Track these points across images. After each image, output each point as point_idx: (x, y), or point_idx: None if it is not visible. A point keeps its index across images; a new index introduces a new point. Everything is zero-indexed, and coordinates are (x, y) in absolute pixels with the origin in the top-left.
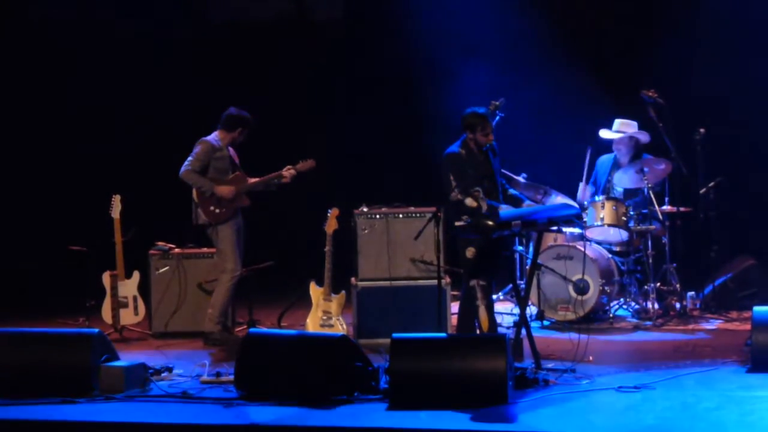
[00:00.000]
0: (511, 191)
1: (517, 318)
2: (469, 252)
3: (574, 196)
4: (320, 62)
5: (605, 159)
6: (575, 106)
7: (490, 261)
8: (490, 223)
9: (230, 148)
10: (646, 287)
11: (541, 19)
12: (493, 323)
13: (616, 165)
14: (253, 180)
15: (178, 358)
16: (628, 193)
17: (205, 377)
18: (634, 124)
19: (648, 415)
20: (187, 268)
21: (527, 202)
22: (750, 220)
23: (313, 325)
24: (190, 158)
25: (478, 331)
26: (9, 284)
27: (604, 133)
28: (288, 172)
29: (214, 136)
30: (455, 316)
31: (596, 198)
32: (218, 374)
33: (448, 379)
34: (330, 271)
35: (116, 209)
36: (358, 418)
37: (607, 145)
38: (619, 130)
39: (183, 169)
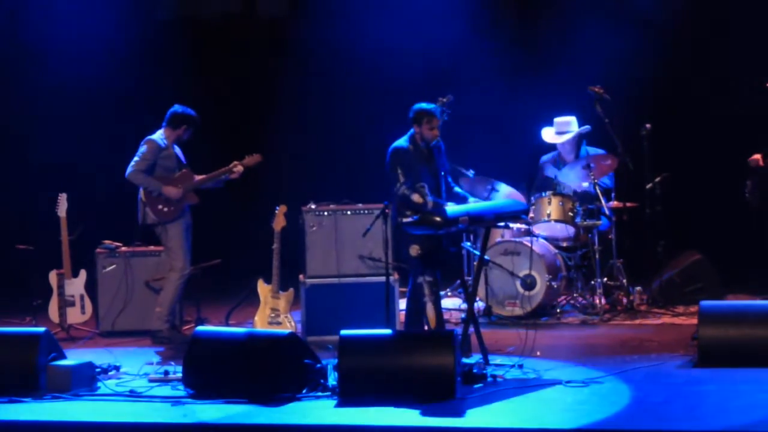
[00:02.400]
0: (457, 190)
1: (464, 314)
2: (413, 250)
3: (521, 193)
4: (266, 58)
5: (548, 157)
6: (522, 102)
7: (436, 257)
8: (438, 218)
9: (176, 146)
10: (592, 282)
11: (487, 16)
12: (440, 319)
13: (561, 162)
14: (199, 177)
15: (125, 357)
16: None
17: (152, 376)
18: (574, 119)
19: (596, 409)
20: (134, 267)
21: (472, 199)
22: (696, 215)
23: (261, 322)
24: (136, 158)
25: (426, 327)
26: None
27: (549, 137)
28: (236, 168)
29: (159, 135)
30: (403, 313)
31: (543, 194)
32: (166, 372)
33: (396, 375)
34: (278, 269)
35: (62, 208)
36: (306, 415)
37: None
38: (562, 130)
39: (129, 169)
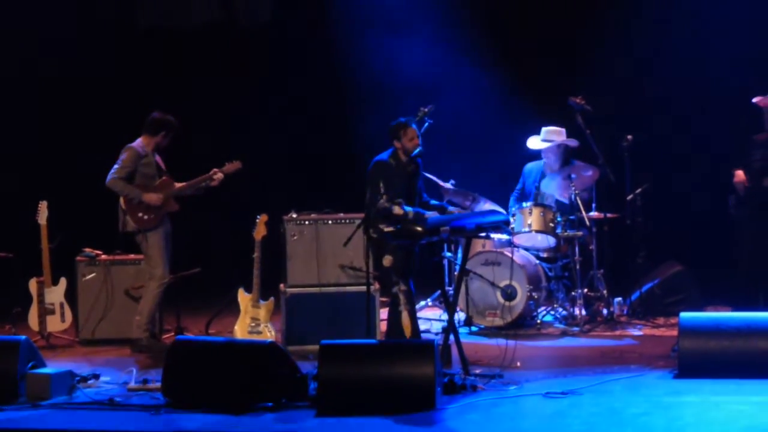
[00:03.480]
0: (433, 202)
1: (445, 324)
2: (387, 260)
3: (502, 204)
4: (247, 67)
5: (533, 166)
6: (504, 114)
7: (410, 267)
8: (419, 228)
9: (156, 153)
10: (573, 293)
11: (470, 27)
12: (416, 329)
13: (544, 171)
14: (180, 184)
15: (105, 365)
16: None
17: (132, 384)
18: (563, 131)
19: (575, 420)
20: (114, 275)
21: (451, 208)
22: (676, 226)
23: (241, 331)
24: (116, 166)
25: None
26: None
27: (533, 143)
28: (216, 175)
29: (138, 143)
30: (384, 322)
31: (524, 204)
32: (145, 381)
33: (376, 385)
34: (258, 278)
35: (43, 215)
36: (286, 425)
37: (535, 152)
38: (547, 138)
39: (109, 177)
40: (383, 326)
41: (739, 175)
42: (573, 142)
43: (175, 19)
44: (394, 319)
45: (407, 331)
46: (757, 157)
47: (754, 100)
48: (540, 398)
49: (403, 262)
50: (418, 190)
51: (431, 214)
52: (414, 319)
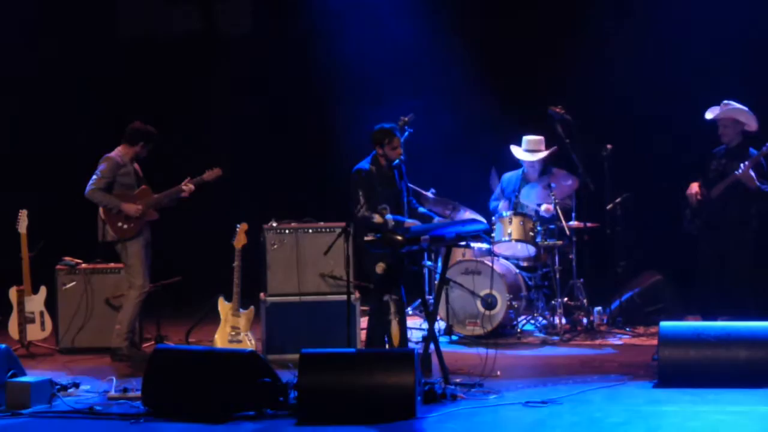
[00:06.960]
0: (421, 209)
1: (425, 333)
2: (379, 268)
3: (482, 212)
4: (228, 76)
5: (511, 175)
6: (484, 122)
7: (401, 275)
8: (399, 237)
9: (135, 163)
10: (553, 302)
11: (448, 37)
12: (404, 337)
13: (523, 181)
14: (157, 195)
15: (85, 374)
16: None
17: (112, 393)
18: (542, 139)
19: (555, 429)
20: (94, 284)
21: (437, 219)
22: (656, 235)
23: (221, 340)
24: (94, 176)
25: (387, 346)
26: None
27: (520, 155)
28: (186, 186)
29: (117, 152)
30: (364, 331)
31: (504, 214)
32: (125, 390)
33: (356, 394)
34: (238, 287)
35: (23, 224)
36: None
37: (513, 161)
38: (532, 149)
39: (88, 188)
40: (363, 335)
41: (693, 187)
42: (554, 150)
43: (156, 30)
44: (375, 327)
45: (395, 339)
46: (713, 168)
47: (707, 117)
48: (520, 407)
49: (394, 270)
50: (406, 195)
51: (413, 223)
52: (403, 328)
